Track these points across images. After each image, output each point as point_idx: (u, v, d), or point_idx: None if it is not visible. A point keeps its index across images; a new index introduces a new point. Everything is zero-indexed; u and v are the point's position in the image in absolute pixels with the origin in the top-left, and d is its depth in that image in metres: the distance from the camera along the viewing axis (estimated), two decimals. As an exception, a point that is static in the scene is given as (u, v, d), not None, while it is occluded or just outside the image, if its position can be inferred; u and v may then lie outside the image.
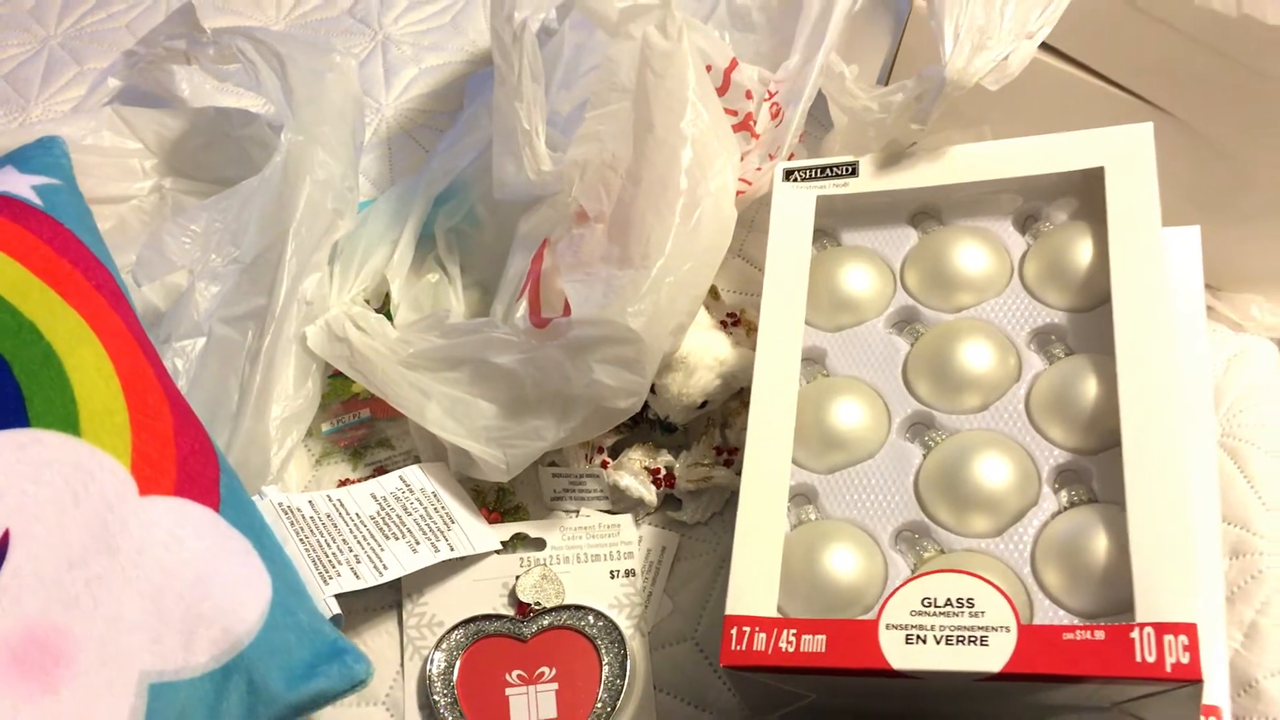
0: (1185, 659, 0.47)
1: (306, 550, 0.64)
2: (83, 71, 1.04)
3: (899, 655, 0.51)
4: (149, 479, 0.60)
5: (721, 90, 0.73)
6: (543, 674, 0.65)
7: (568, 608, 0.67)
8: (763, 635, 0.53)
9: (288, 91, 0.77)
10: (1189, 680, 0.47)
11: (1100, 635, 0.49)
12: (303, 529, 0.65)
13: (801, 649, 0.53)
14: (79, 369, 0.62)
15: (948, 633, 0.51)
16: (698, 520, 0.71)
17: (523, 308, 0.70)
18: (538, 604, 0.67)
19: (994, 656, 0.50)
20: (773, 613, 0.54)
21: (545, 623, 0.67)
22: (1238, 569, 0.65)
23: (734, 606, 0.55)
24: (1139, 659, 0.47)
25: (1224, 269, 0.75)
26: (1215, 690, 0.55)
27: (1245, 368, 0.73)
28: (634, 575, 0.69)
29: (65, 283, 0.66)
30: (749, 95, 0.73)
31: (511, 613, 0.68)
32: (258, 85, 0.79)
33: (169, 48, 0.88)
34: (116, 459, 0.59)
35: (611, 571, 0.69)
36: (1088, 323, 0.60)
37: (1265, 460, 0.68)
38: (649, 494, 0.70)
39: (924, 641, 0.51)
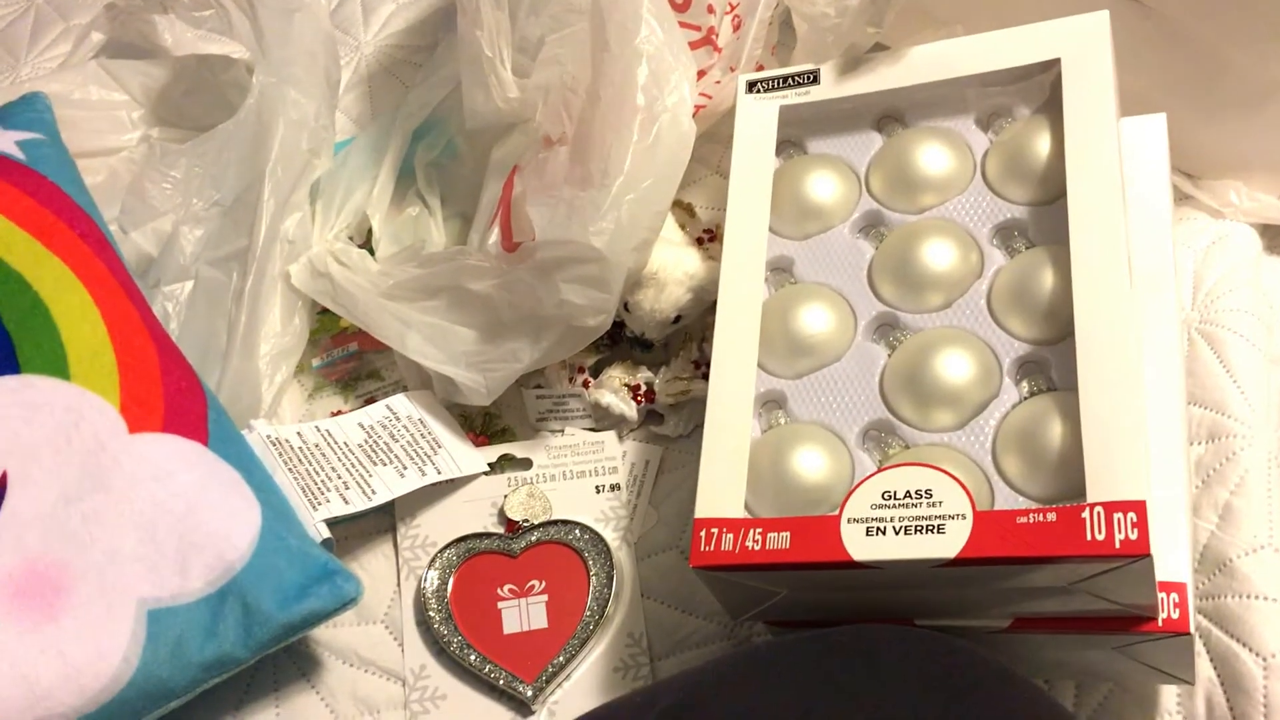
0: (1134, 535, 0.48)
1: (295, 479, 0.66)
2: (68, 28, 1.04)
3: (859, 547, 0.52)
4: (138, 417, 0.62)
5: (684, 6, 0.73)
6: (533, 587, 0.67)
7: (555, 523, 0.69)
8: (730, 535, 0.55)
9: (258, 33, 0.78)
10: (1137, 555, 0.48)
11: (1052, 517, 0.50)
12: (291, 459, 0.67)
13: (767, 547, 0.54)
14: (66, 315, 0.64)
15: (906, 523, 0.52)
16: (679, 433, 0.72)
17: (495, 234, 0.71)
18: (526, 521, 0.69)
19: (950, 543, 0.51)
20: (740, 514, 0.56)
21: (533, 538, 0.69)
22: (1213, 452, 0.65)
23: (702, 510, 0.56)
24: (1089, 538, 0.48)
25: (1201, 156, 0.75)
26: (1178, 568, 0.56)
27: (1223, 253, 0.73)
28: (619, 489, 0.71)
29: (50, 233, 0.67)
30: (711, 9, 0.73)
31: (501, 530, 0.70)
32: (230, 29, 0.80)
33: (146, -2, 0.89)
34: (106, 399, 0.62)
35: (597, 486, 0.71)
36: (1048, 216, 0.60)
37: (1241, 345, 0.68)
38: (630, 410, 0.72)
39: (883, 533, 0.52)
